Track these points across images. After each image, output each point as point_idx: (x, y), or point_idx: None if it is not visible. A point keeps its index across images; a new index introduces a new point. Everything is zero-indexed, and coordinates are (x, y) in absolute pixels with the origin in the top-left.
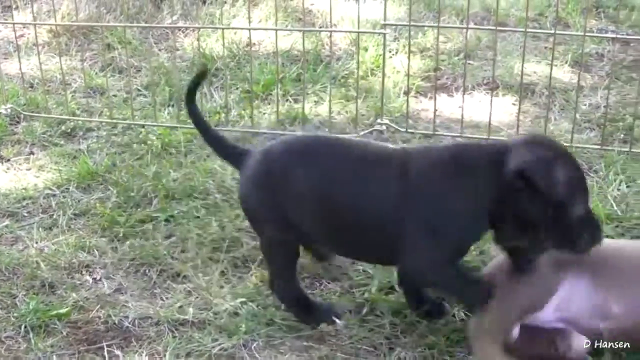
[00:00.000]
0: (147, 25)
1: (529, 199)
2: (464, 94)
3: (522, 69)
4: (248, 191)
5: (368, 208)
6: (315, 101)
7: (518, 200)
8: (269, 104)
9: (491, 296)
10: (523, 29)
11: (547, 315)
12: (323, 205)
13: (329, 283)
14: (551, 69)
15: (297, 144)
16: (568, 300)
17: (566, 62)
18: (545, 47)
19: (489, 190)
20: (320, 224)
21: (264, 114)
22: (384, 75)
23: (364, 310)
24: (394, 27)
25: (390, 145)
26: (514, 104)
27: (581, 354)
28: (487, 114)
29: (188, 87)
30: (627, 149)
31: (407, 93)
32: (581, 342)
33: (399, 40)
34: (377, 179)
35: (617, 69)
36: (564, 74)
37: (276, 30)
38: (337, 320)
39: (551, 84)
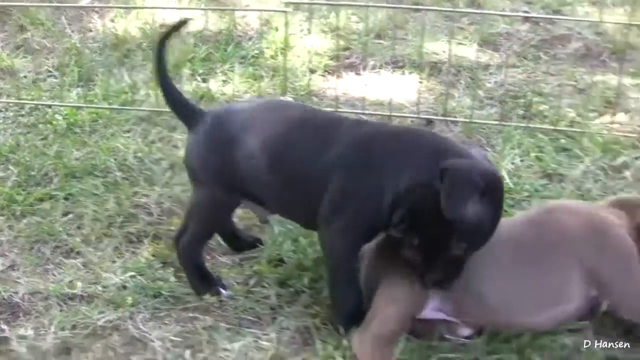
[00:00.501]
0: (59, 4)
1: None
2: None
3: (422, 45)
4: (196, 151)
5: (304, 171)
6: (223, 80)
7: (424, 201)
8: (178, 83)
9: (358, 322)
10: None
11: (429, 313)
12: (266, 166)
13: (220, 256)
14: (450, 45)
15: (248, 108)
16: (442, 301)
17: (475, 42)
18: (459, 28)
19: (404, 183)
20: (262, 184)
21: None
22: (286, 52)
23: (251, 282)
24: (298, 5)
25: (345, 116)
26: (420, 82)
27: (462, 335)
28: (392, 92)
29: (162, 35)
30: (524, 125)
31: (312, 71)
32: (464, 331)
33: (311, 20)
34: (316, 144)
35: (525, 48)
36: (473, 53)
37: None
38: (223, 291)
39: (459, 63)
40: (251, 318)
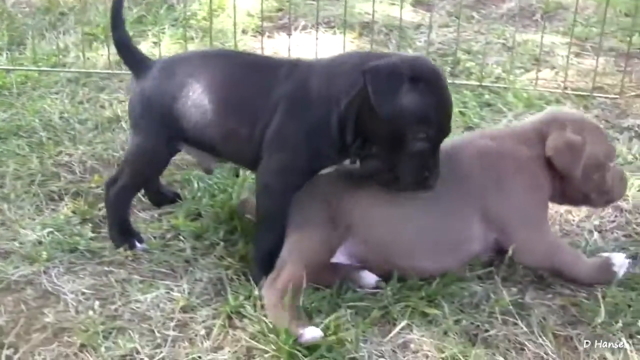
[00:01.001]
0: None
1: (371, 111)
2: (290, 34)
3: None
4: (140, 97)
5: (248, 112)
6: (154, 42)
7: (365, 111)
8: (109, 45)
9: (269, 269)
10: None
11: (339, 258)
12: (212, 110)
13: (139, 212)
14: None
15: (194, 56)
16: (349, 247)
17: (409, 1)
18: None
19: (343, 102)
20: (209, 129)
21: (102, 55)
22: (211, 15)
23: (168, 236)
24: None
25: (289, 59)
26: (351, 42)
27: (369, 284)
28: (325, 52)
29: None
30: (450, 81)
31: (244, 32)
32: (369, 279)
33: None
34: (257, 86)
35: (458, 8)
36: (406, 13)
37: None
38: (138, 244)
39: (391, 23)
40: (165, 270)
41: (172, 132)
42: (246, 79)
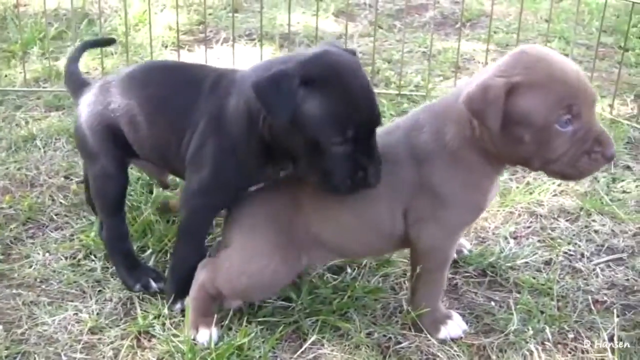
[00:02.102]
0: None
1: (277, 125)
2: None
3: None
4: (83, 120)
5: (181, 129)
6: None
7: (274, 128)
8: (26, 62)
9: (183, 285)
10: None
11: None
12: (147, 123)
13: (51, 232)
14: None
15: (130, 72)
16: None
17: (331, 12)
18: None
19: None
20: (147, 142)
21: (20, 72)
22: (127, 29)
23: (80, 255)
24: None
25: (215, 69)
26: (272, 53)
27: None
28: (245, 64)
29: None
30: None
31: (165, 46)
32: None
33: None
34: (183, 100)
35: (381, 18)
36: (328, 23)
37: None
38: (153, 284)
39: (312, 34)
40: (75, 291)
41: (116, 150)
42: (174, 93)
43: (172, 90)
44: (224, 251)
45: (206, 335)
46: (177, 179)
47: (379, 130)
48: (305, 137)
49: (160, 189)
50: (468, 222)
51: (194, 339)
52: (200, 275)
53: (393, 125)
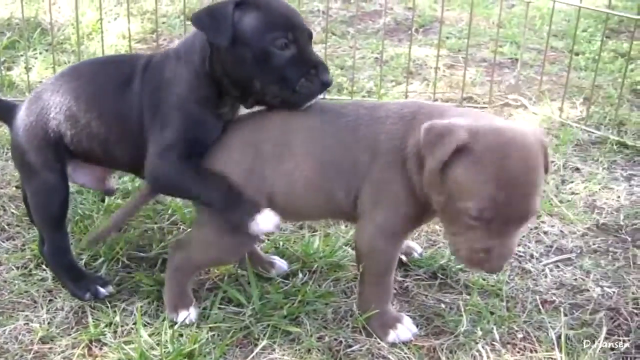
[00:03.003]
0: None
1: (223, 53)
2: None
3: None
4: (19, 140)
5: (119, 113)
6: (25, 68)
7: (221, 59)
8: None
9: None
10: None
11: None
12: (85, 114)
13: (3, 242)
14: None
15: (59, 73)
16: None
17: None
18: None
19: (203, 64)
20: (91, 138)
21: None
22: (79, 38)
23: (31, 265)
24: None
25: (141, 54)
26: None
27: (282, 271)
28: None
29: None
30: (321, 97)
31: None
32: (281, 265)
33: (121, 5)
34: (121, 84)
35: (333, 24)
36: None
37: None
38: (101, 290)
39: None
40: (26, 301)
41: (61, 154)
42: (107, 78)
43: (106, 76)
44: (195, 226)
45: (185, 315)
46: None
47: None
48: (253, 51)
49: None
50: (404, 230)
51: (175, 322)
52: (174, 259)
53: (354, 104)
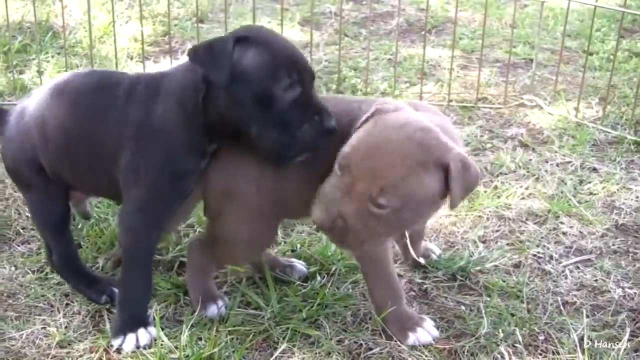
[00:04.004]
0: None
1: (220, 92)
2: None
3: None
4: (10, 151)
5: (96, 137)
6: (37, 71)
7: (216, 99)
8: None
9: (139, 325)
10: None
11: None
12: (57, 134)
13: (18, 245)
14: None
15: (44, 91)
16: None
17: (297, 21)
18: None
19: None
20: (66, 162)
21: None
22: (91, 39)
23: (47, 269)
24: None
25: (124, 73)
26: None
27: (301, 274)
28: None
29: None
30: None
31: (130, 58)
32: (300, 268)
33: (132, 8)
34: (101, 109)
35: (346, 26)
36: (295, 32)
37: None
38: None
39: None
40: (43, 305)
41: (45, 175)
42: (86, 100)
43: (84, 98)
44: (213, 224)
45: (214, 309)
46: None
47: None
48: (254, 91)
49: None
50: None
51: (205, 316)
52: (195, 257)
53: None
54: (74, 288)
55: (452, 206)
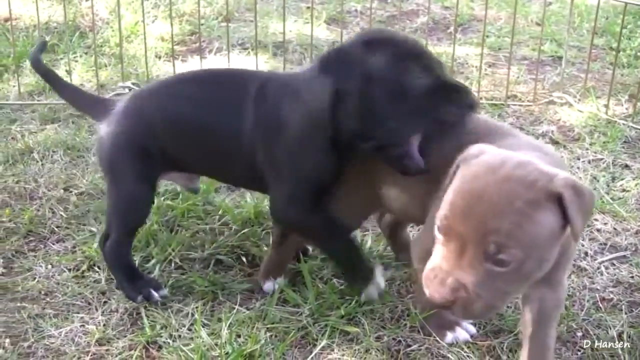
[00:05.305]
0: None
1: (353, 98)
2: (201, 56)
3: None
4: (115, 138)
5: (227, 130)
6: (66, 71)
7: (347, 107)
8: (20, 75)
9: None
10: None
11: None
12: (194, 132)
13: (53, 244)
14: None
15: (159, 85)
16: None
17: (323, 20)
18: (307, 7)
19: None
20: (195, 153)
21: (13, 86)
22: (121, 38)
23: (83, 267)
24: None
25: (254, 70)
26: (266, 62)
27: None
28: None
29: (32, 55)
30: None
31: (158, 57)
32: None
33: (159, 7)
34: (233, 103)
35: (373, 24)
36: (321, 31)
37: None
38: (154, 294)
39: (305, 41)
40: (80, 303)
41: (157, 166)
42: (217, 99)
43: (216, 97)
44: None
45: (270, 286)
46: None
47: None
48: (388, 86)
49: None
50: None
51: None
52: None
53: None
54: (116, 278)
55: (576, 238)
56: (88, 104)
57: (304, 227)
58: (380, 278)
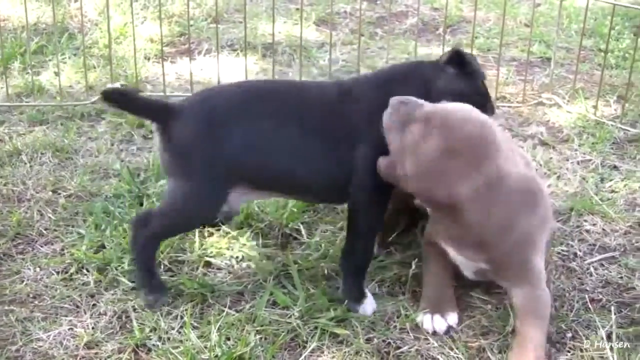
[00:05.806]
0: None
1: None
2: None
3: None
4: (188, 144)
5: (319, 137)
6: (54, 72)
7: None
8: (8, 77)
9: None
10: None
11: None
12: (276, 145)
13: (41, 246)
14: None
15: (238, 91)
16: None
17: (312, 21)
18: (297, 8)
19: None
20: (273, 165)
21: (1, 87)
22: (110, 39)
23: (72, 270)
24: None
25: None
26: (255, 63)
27: None
28: (227, 75)
29: None
30: None
31: (147, 59)
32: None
33: (147, 8)
34: (324, 111)
35: (362, 26)
36: (310, 32)
37: None
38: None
39: (293, 42)
40: (69, 306)
41: (229, 175)
42: (303, 109)
43: (303, 108)
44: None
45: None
46: None
47: None
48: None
49: None
50: None
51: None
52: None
53: None
54: (139, 270)
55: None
56: (149, 110)
57: (374, 202)
58: (372, 299)
